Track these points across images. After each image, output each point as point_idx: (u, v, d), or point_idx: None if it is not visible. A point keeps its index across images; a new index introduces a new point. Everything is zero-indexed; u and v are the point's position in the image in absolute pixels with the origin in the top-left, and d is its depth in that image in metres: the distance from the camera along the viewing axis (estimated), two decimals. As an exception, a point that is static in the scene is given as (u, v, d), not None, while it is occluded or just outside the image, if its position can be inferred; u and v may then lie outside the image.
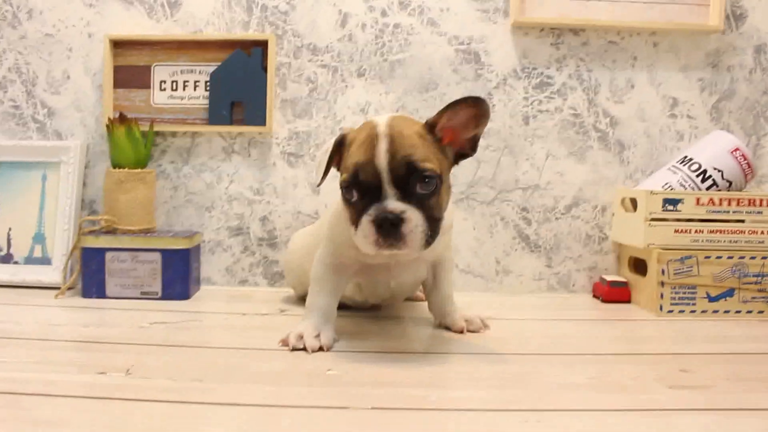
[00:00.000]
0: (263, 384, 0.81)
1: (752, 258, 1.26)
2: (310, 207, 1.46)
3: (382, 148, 0.86)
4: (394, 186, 0.86)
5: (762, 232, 1.28)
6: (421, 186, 0.87)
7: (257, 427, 0.68)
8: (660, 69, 1.46)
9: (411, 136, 0.89)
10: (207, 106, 1.44)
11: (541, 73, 1.45)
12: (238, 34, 1.45)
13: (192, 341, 1.00)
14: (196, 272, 1.38)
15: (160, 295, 1.30)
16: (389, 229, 0.85)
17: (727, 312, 1.26)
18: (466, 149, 0.97)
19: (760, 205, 1.28)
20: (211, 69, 1.43)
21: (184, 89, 1.45)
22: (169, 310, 1.21)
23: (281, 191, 1.46)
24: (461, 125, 0.93)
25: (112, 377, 0.82)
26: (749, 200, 1.29)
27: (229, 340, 1.02)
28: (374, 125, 0.90)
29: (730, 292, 1.26)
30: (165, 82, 1.45)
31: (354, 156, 0.89)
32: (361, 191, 0.88)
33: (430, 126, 0.93)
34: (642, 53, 1.46)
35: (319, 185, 0.95)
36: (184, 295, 1.31)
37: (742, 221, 1.29)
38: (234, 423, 0.68)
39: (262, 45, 1.42)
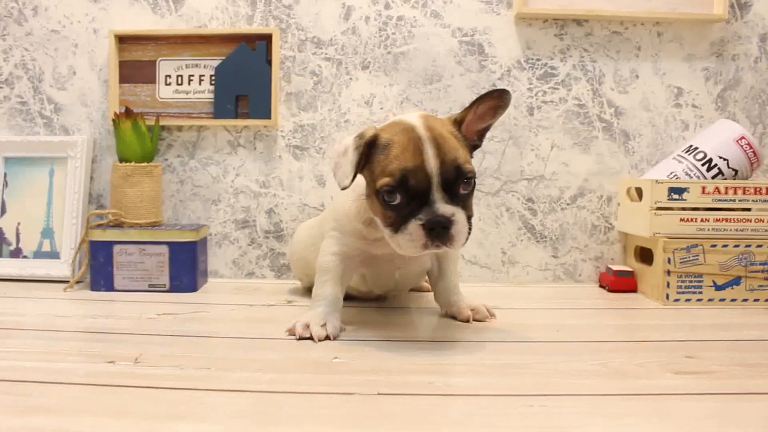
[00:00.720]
0: (270, 371, 0.81)
1: (759, 246, 1.26)
2: (316, 199, 1.47)
3: (430, 153, 0.87)
4: (443, 189, 0.87)
5: (768, 221, 1.28)
6: (463, 187, 0.89)
7: (263, 411, 0.68)
8: (664, 59, 1.46)
9: (450, 138, 0.90)
10: (212, 100, 1.45)
11: (545, 64, 1.45)
12: (242, 28, 1.45)
13: (199, 332, 1.01)
14: (203, 265, 1.39)
15: (167, 287, 1.31)
16: (440, 233, 0.86)
17: (733, 300, 1.26)
18: (476, 141, 0.98)
19: (767, 193, 1.28)
20: (216, 63, 1.44)
21: (189, 83, 1.46)
22: (176, 302, 1.22)
23: (287, 184, 1.47)
24: (479, 117, 0.96)
25: (120, 366, 0.83)
26: (755, 188, 1.28)
27: (236, 330, 1.03)
28: (412, 127, 0.90)
29: (736, 281, 1.26)
30: (170, 76, 1.46)
31: (399, 160, 0.87)
32: (408, 195, 0.88)
33: (458, 123, 0.94)
34: (646, 43, 1.46)
35: (346, 187, 0.92)
36: (192, 288, 1.32)
37: (749, 210, 1.29)
38: (240, 408, 0.69)
39: (267, 39, 1.43)
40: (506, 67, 1.45)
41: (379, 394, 0.73)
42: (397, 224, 0.89)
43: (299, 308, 1.18)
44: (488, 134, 1.40)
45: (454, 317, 1.11)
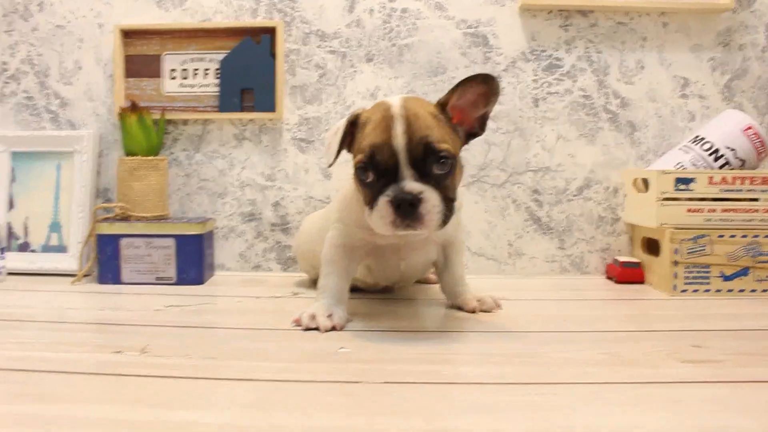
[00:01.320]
0: (276, 361, 0.81)
1: (766, 237, 1.25)
2: (322, 192, 1.47)
3: (399, 129, 0.87)
4: (411, 167, 0.87)
5: (775, 211, 1.27)
6: (437, 167, 0.88)
7: (270, 400, 0.68)
8: (670, 49, 1.46)
9: (426, 116, 0.89)
10: (217, 93, 1.45)
11: (550, 56, 1.45)
12: (247, 21, 1.45)
13: (206, 323, 1.01)
14: (209, 258, 1.40)
15: (174, 280, 1.31)
16: (407, 210, 0.85)
17: (741, 291, 1.25)
18: (475, 128, 0.97)
19: (774, 183, 1.28)
20: (221, 57, 1.44)
21: (194, 77, 1.46)
22: (183, 294, 1.22)
23: (293, 177, 1.47)
24: (471, 104, 0.94)
25: (128, 356, 0.83)
26: (763, 178, 1.28)
27: (243, 321, 1.03)
28: (388, 106, 0.90)
29: (744, 271, 1.25)
30: (175, 70, 1.46)
31: (370, 137, 0.89)
32: (378, 172, 0.88)
33: (442, 105, 0.94)
34: (652, 33, 1.45)
35: (330, 166, 0.95)
36: (199, 280, 1.32)
37: (756, 200, 1.28)
38: (246, 396, 0.69)
39: (271, 32, 1.43)
40: (511, 59, 1.45)
41: (385, 382, 0.73)
42: (369, 202, 0.89)
43: (305, 300, 1.18)
44: (493, 125, 1.42)
45: (460, 308, 1.11)
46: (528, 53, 1.45)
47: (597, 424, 0.62)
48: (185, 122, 1.48)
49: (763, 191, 1.28)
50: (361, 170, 0.90)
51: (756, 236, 1.25)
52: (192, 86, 1.46)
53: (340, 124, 0.95)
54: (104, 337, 0.93)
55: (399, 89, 1.44)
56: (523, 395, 0.70)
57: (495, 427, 0.61)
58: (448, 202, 0.89)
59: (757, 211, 1.27)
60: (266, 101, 1.43)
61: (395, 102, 0.91)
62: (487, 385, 0.73)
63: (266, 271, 1.48)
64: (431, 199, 0.86)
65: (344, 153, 0.97)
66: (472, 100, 0.94)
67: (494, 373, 0.77)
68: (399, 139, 0.86)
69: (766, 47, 1.45)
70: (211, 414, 0.64)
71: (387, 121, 0.88)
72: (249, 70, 1.43)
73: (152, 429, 0.61)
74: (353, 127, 0.94)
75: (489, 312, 1.09)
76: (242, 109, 1.45)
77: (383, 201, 0.86)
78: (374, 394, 0.70)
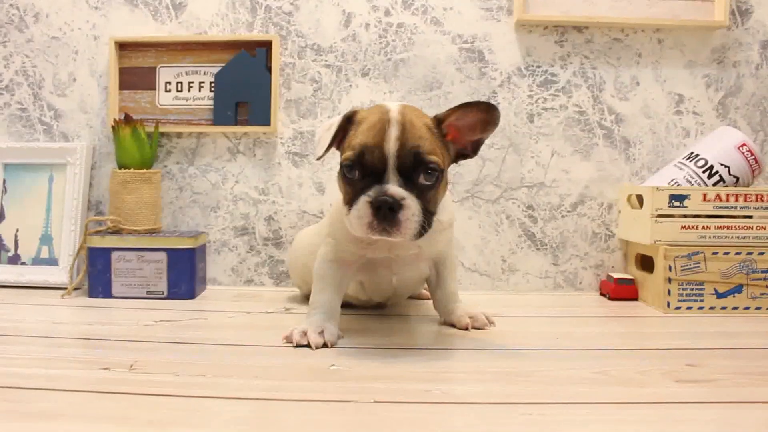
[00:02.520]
0: (266, 379, 0.81)
1: (761, 254, 1.25)
2: (315, 206, 1.46)
3: (393, 134, 0.88)
4: (398, 173, 0.87)
5: (770, 228, 1.27)
6: (424, 177, 0.89)
7: (259, 419, 0.67)
8: (665, 65, 1.46)
9: (421, 127, 0.91)
10: (212, 106, 1.45)
11: (546, 71, 1.45)
12: (243, 34, 1.45)
13: (196, 338, 1.00)
14: (201, 272, 1.39)
15: (165, 294, 1.30)
16: (386, 214, 0.85)
17: (735, 308, 1.25)
18: (467, 150, 0.99)
19: (768, 200, 1.28)
20: (216, 70, 1.44)
21: (189, 90, 1.46)
22: (174, 309, 1.21)
23: (286, 191, 1.46)
24: (468, 127, 0.96)
25: (116, 372, 0.82)
26: (757, 196, 1.28)
27: (234, 337, 1.02)
28: (386, 110, 0.91)
29: (738, 289, 1.25)
30: (170, 83, 1.46)
31: (362, 136, 0.90)
32: (364, 172, 0.89)
33: (439, 121, 0.94)
34: (647, 50, 1.45)
35: (319, 158, 0.95)
36: (190, 295, 1.31)
37: (750, 217, 1.28)
38: (236, 415, 0.68)
39: (267, 45, 1.43)
40: (506, 74, 1.45)
41: (375, 402, 0.73)
42: (351, 201, 0.89)
43: (297, 316, 1.17)
44: (488, 141, 1.41)
45: (453, 325, 1.10)
46: (523, 69, 1.45)
47: (590, 447, 0.62)
48: (179, 135, 1.47)
49: (756, 208, 1.27)
50: (347, 167, 0.90)
51: (750, 253, 1.25)
52: (186, 99, 1.46)
53: (335, 120, 0.95)
54: (93, 352, 0.92)
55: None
56: (515, 416, 0.69)
57: (486, 449, 0.61)
58: (428, 215, 0.90)
59: (751, 228, 1.27)
60: (261, 115, 1.43)
61: (394, 107, 0.92)
62: (480, 405, 0.72)
63: (259, 286, 1.47)
64: (412, 207, 0.86)
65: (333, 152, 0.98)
66: (470, 124, 0.95)
67: (487, 393, 0.76)
68: (391, 144, 0.87)
69: (761, 64, 1.46)
70: (198, 434, 0.63)
71: (383, 123, 0.89)
72: (244, 84, 1.43)
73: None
74: (348, 123, 0.95)
75: (482, 329, 1.09)
76: (236, 123, 1.44)
77: (363, 200, 0.87)
78: (365, 414, 0.69)
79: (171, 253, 1.31)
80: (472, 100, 0.94)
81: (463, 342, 1.01)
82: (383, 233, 0.87)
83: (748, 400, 0.75)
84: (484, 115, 0.93)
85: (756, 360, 0.93)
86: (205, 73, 1.45)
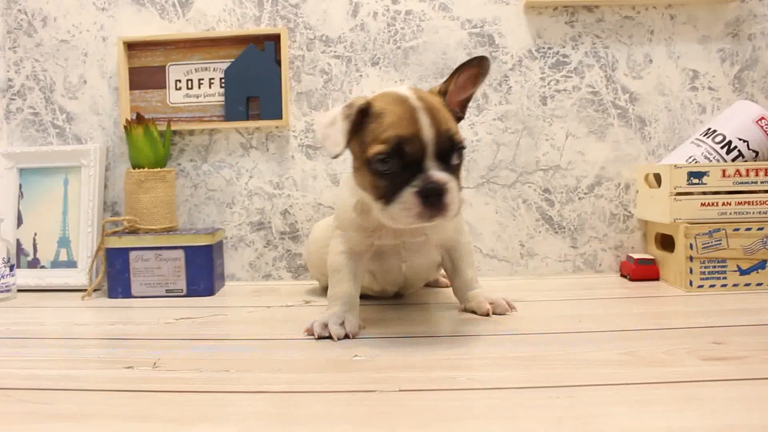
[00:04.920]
0: (288, 372, 0.80)
1: (783, 228, 1.23)
2: (330, 198, 1.46)
3: (426, 122, 0.87)
4: (436, 158, 0.88)
5: (791, 202, 1.25)
6: (455, 157, 0.90)
7: (283, 411, 0.67)
8: (678, 42, 1.44)
9: (442, 109, 0.91)
10: (223, 102, 1.44)
11: (557, 53, 1.43)
12: (250, 29, 1.44)
13: (217, 335, 1.00)
14: (219, 268, 1.39)
15: (185, 292, 1.31)
16: (434, 200, 0.86)
17: (759, 285, 1.23)
18: (458, 113, 0.99)
19: (789, 174, 1.26)
20: (225, 66, 1.44)
21: (199, 87, 1.45)
22: (194, 306, 1.22)
23: (301, 184, 1.46)
24: (460, 87, 0.98)
25: (140, 371, 0.82)
26: (777, 170, 1.26)
27: (254, 332, 1.02)
28: (404, 98, 0.91)
29: (761, 264, 1.23)
30: (180, 81, 1.46)
31: (394, 128, 0.88)
32: (402, 163, 0.87)
33: (443, 94, 0.96)
34: (659, 26, 1.43)
35: (337, 156, 0.90)
36: (209, 292, 1.31)
37: (771, 191, 1.26)
38: (260, 408, 0.68)
39: (275, 39, 1.42)
40: (517, 57, 1.43)
41: (400, 390, 0.72)
42: (389, 194, 0.88)
43: (317, 308, 1.17)
44: (501, 125, 1.41)
45: (473, 311, 1.10)
46: (534, 51, 1.44)
47: (621, 428, 0.61)
48: (191, 132, 1.47)
49: (778, 183, 1.26)
50: (380, 162, 0.88)
51: (773, 228, 1.23)
52: (197, 96, 1.46)
53: (336, 114, 0.92)
54: (115, 352, 0.92)
55: (405, 92, 1.43)
56: (542, 399, 0.68)
57: (514, 434, 0.60)
58: (460, 191, 0.91)
59: (772, 203, 1.25)
60: (272, 109, 1.42)
61: (408, 93, 0.92)
62: (503, 390, 0.72)
63: (277, 280, 1.47)
64: (455, 188, 0.88)
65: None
66: (463, 84, 0.97)
67: (510, 378, 0.76)
68: (427, 132, 0.87)
69: (776, 36, 1.43)
70: (225, 428, 0.63)
71: (411, 112, 0.88)
72: (254, 78, 1.42)
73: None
74: (362, 116, 0.92)
75: (503, 314, 1.08)
76: (248, 118, 1.44)
77: (410, 192, 0.86)
78: (389, 404, 0.69)
79: (188, 250, 1.31)
80: (461, 63, 0.95)
81: (484, 328, 1.00)
82: (432, 218, 0.87)
83: (777, 375, 0.74)
84: (477, 69, 0.96)
85: (783, 335, 0.91)
86: (214, 70, 1.45)
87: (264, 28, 1.44)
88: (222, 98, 1.45)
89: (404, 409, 0.67)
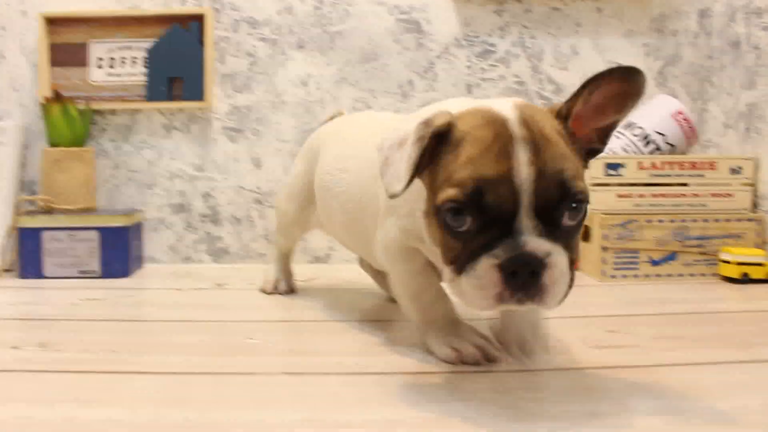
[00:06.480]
0: (181, 354, 0.79)
1: (694, 221, 1.26)
2: (253, 182, 1.44)
3: (523, 157, 0.59)
4: (536, 216, 0.59)
5: (704, 195, 1.28)
6: (570, 216, 0.61)
7: (171, 394, 0.66)
8: (604, 35, 1.45)
9: (557, 139, 0.62)
10: (146, 82, 1.42)
11: (484, 42, 1.44)
12: (175, 8, 1.42)
13: (121, 316, 0.99)
14: (136, 250, 1.37)
15: (99, 273, 1.28)
16: (526, 280, 0.59)
17: (669, 276, 1.26)
18: (594, 143, 0.68)
19: (703, 168, 1.28)
20: (149, 45, 1.41)
21: (122, 66, 1.42)
22: (106, 288, 1.19)
23: (223, 167, 1.44)
24: (595, 109, 0.66)
25: (26, 351, 0.80)
26: (691, 163, 1.28)
27: (159, 314, 1.01)
28: (501, 119, 0.62)
29: (672, 256, 1.26)
30: (102, 59, 1.42)
31: (475, 165, 0.60)
32: (483, 219, 0.60)
33: (564, 118, 0.65)
34: (586, 19, 1.45)
35: (397, 195, 0.62)
36: (124, 273, 1.29)
37: (685, 185, 1.29)
38: (147, 391, 0.67)
39: (200, 19, 1.40)
40: (444, 45, 1.44)
41: (284, 373, 0.72)
42: (461, 262, 0.61)
43: (231, 292, 1.16)
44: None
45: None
46: (461, 39, 1.44)
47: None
48: (113, 112, 1.44)
49: (691, 176, 1.28)
50: (451, 213, 0.61)
51: (683, 221, 1.26)
52: (119, 75, 1.42)
53: (409, 135, 0.63)
54: (4, 333, 0.90)
55: (331, 77, 1.42)
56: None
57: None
58: (572, 266, 0.62)
59: (685, 195, 1.28)
60: (195, 90, 1.40)
61: (509, 112, 0.62)
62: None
63: (197, 263, 1.46)
64: (560, 264, 0.59)
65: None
66: (599, 104, 0.65)
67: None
68: (523, 173, 0.59)
69: (699, 33, 1.45)
70: (109, 411, 0.62)
71: (503, 141, 0.60)
72: (177, 58, 1.40)
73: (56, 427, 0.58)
74: (438, 141, 0.63)
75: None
76: (171, 98, 1.41)
77: (488, 264, 0.59)
78: (276, 387, 0.68)
79: (104, 231, 1.28)
80: (597, 74, 0.63)
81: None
82: (519, 303, 0.60)
83: (662, 363, 0.75)
84: (622, 85, 0.64)
85: (678, 325, 0.93)
86: (138, 49, 1.42)
87: (189, 8, 1.42)
88: (145, 78, 1.42)
89: (290, 392, 0.67)
